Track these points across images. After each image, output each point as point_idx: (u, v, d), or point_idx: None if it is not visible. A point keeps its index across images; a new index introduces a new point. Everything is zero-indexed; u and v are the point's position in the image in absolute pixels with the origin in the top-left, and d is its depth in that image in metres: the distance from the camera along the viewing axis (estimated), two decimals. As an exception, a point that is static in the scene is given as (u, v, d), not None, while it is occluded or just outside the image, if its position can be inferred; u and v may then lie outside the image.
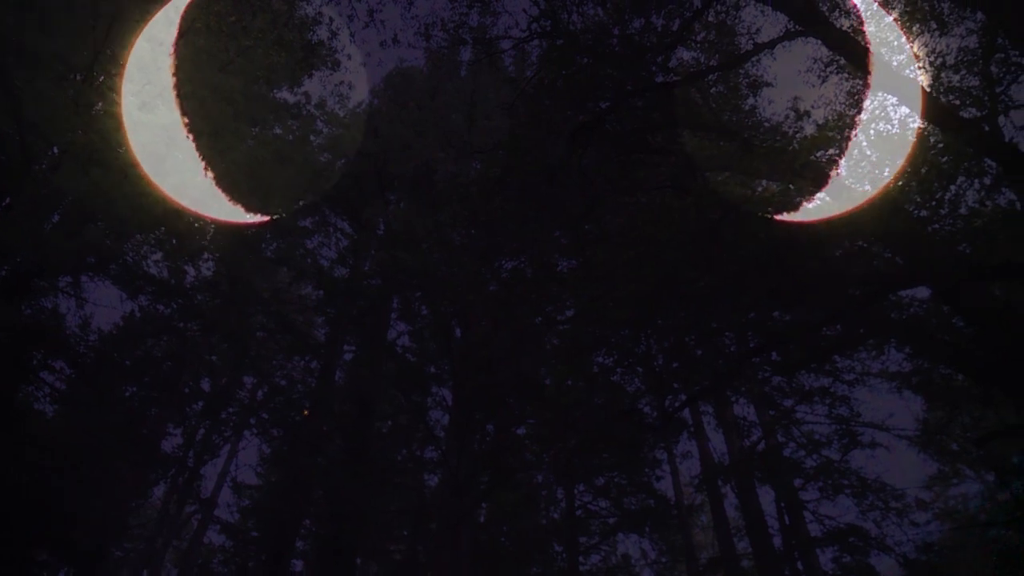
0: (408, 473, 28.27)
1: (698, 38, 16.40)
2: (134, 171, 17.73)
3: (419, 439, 28.35)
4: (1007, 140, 13.35)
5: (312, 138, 27.58)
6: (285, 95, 24.95)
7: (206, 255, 23.76)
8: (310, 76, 23.23)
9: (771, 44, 14.76)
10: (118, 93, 17.77)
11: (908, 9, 16.31)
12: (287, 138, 26.14)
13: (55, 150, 17.93)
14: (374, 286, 24.63)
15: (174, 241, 21.94)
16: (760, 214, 14.48)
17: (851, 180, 17.55)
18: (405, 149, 24.43)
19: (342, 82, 26.60)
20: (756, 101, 19.22)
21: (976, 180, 15.43)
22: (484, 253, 21.70)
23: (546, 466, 26.08)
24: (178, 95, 19.28)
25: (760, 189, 16.62)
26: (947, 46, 15.86)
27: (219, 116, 20.02)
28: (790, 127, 18.02)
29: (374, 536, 28.16)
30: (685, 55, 16.93)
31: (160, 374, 24.88)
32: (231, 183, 20.27)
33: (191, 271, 22.98)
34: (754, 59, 16.46)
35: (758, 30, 16.10)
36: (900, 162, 15.90)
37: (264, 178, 21.82)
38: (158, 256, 22.11)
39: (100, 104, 17.61)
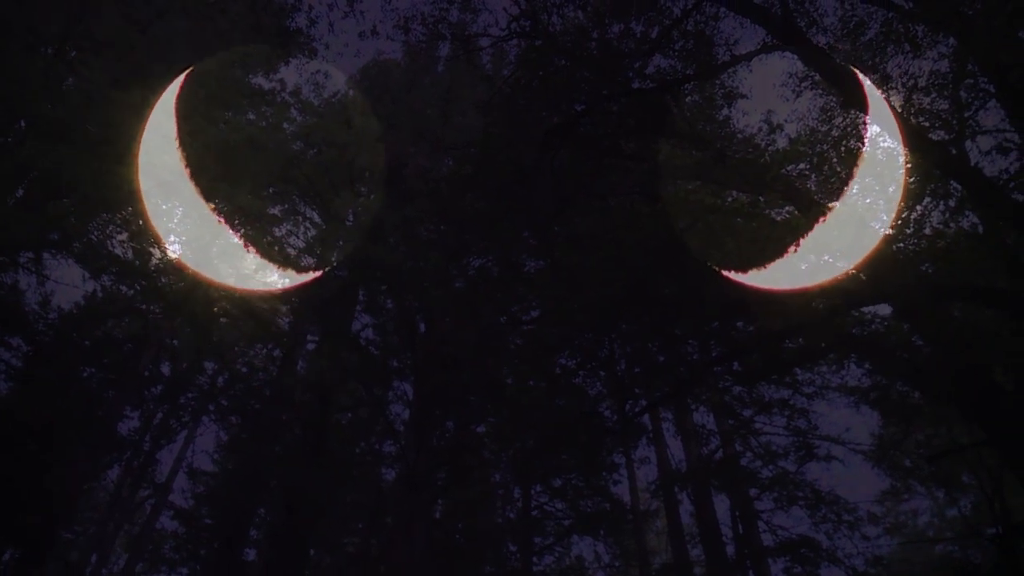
0: (366, 466, 28.17)
1: (676, 46, 16.44)
2: (104, 149, 17.51)
3: (378, 432, 28.26)
4: (973, 164, 13.53)
5: (285, 126, 27.38)
6: (260, 81, 24.79)
7: (173, 238, 23.54)
8: (286, 63, 23.11)
9: (748, 57, 14.89)
10: (90, 69, 17.57)
11: (884, 30, 16.49)
12: (260, 124, 25.94)
13: (22, 124, 17.67)
14: (340, 277, 24.51)
15: (141, 222, 21.70)
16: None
17: (820, 196, 17.75)
18: (378, 142, 24.32)
19: (318, 71, 26.50)
20: (730, 112, 19.33)
21: (941, 202, 15.64)
22: (452, 250, 21.69)
23: (504, 465, 26.13)
24: (152, 75, 19.10)
25: (730, 200, 16.72)
26: (919, 68, 16.05)
27: (191, 98, 19.84)
28: (763, 139, 18.14)
29: (329, 528, 28.04)
30: (662, 63, 16.96)
31: (120, 356, 24.60)
32: (200, 166, 20.07)
33: (157, 253, 22.75)
34: (730, 70, 16.58)
35: (736, 42, 16.20)
36: (869, 180, 16.09)
37: (235, 163, 21.64)
38: (123, 236, 21.87)
39: (71, 79, 17.40)
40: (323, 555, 31.33)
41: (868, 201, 16.13)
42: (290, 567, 22.24)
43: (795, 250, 13.69)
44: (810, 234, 13.82)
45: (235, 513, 23.86)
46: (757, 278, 14.15)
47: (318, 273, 23.08)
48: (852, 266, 14.34)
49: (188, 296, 21.70)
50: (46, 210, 18.58)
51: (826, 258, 14.75)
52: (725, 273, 14.87)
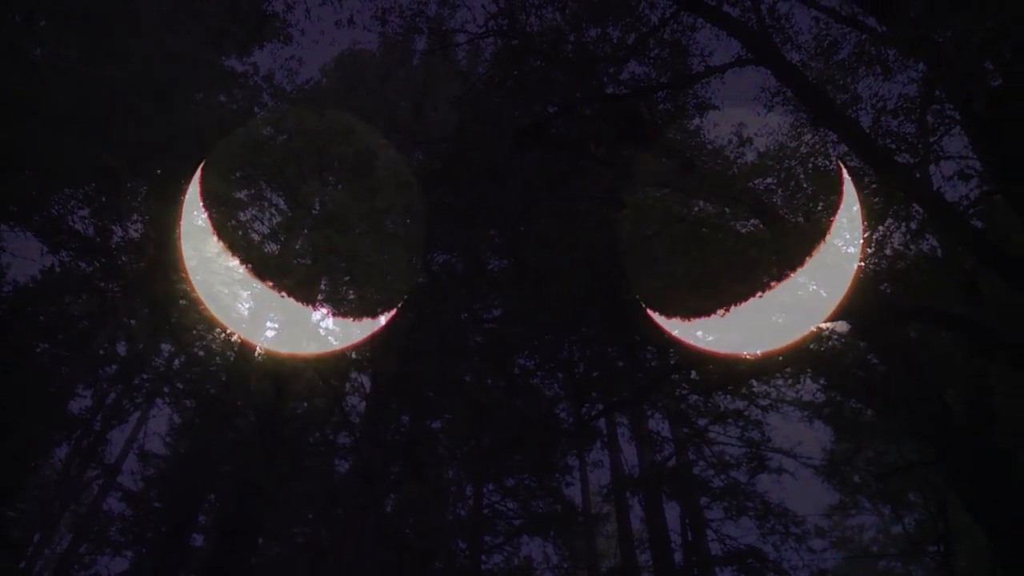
0: (319, 457, 28.00)
1: (652, 54, 16.55)
2: (71, 125, 17.29)
3: (333, 424, 28.07)
4: (935, 189, 13.74)
5: (256, 110, 27.20)
6: (234, 63, 24.59)
7: (136, 216, 23.27)
8: (261, 47, 22.91)
9: (722, 68, 15.01)
10: (61, 41, 17.34)
11: (856, 51, 16.70)
12: (231, 107, 25.74)
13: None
14: (303, 265, 24.35)
15: (104, 199, 21.44)
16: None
17: (786, 211, 17.93)
18: (349, 132, 24.20)
19: (292, 57, 26.33)
20: (702, 123, 19.47)
21: (903, 224, 15.85)
22: (417, 244, 21.65)
23: (458, 462, 26.11)
24: (123, 51, 18.90)
25: (696, 210, 16.83)
26: (889, 91, 16.26)
27: (163, 76, 19.65)
28: (732, 152, 18.28)
29: (279, 517, 27.85)
30: (637, 69, 17.07)
31: (75, 333, 24.26)
32: (167, 146, 19.88)
33: (118, 231, 22.49)
34: (704, 81, 16.68)
35: (711, 53, 16.33)
36: (835, 198, 16.28)
37: (204, 145, 21.45)
38: (85, 212, 21.60)
39: (39, 51, 17.15)
40: (272, 544, 31.12)
41: (832, 219, 16.33)
42: (238, 555, 22.07)
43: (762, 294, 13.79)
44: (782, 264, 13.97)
45: (185, 498, 23.63)
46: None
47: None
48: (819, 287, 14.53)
49: (148, 276, 21.45)
50: (6, 182, 18.29)
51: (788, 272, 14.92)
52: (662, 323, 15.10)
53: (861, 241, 14.81)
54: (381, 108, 27.32)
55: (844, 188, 16.10)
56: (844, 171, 15.52)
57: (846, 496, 30.25)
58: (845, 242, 16.38)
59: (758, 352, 14.52)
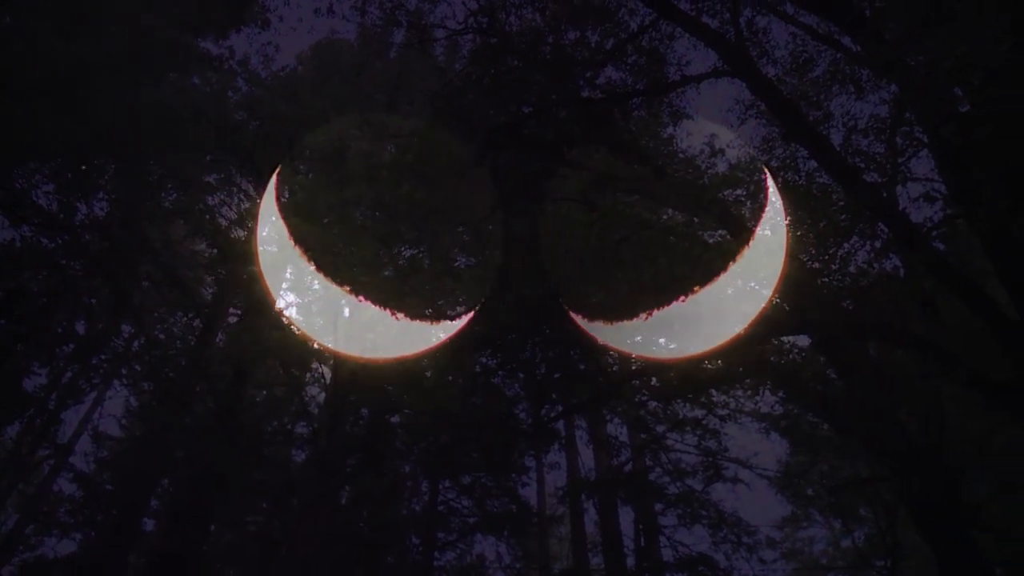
0: (276, 446, 27.82)
1: (629, 60, 16.64)
2: (40, 98, 17.07)
3: (292, 413, 27.92)
4: (901, 209, 13.94)
5: (230, 94, 26.98)
6: (209, 46, 24.36)
7: (101, 194, 23.01)
8: (238, 31, 22.76)
9: (698, 79, 15.15)
10: (34, 12, 17.12)
11: (831, 70, 16.90)
12: (204, 90, 25.52)
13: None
14: (270, 253, 24.18)
15: (70, 175, 21.19)
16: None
17: (754, 223, 18.10)
18: (322, 121, 24.08)
19: (269, 43, 26.17)
20: (675, 131, 19.63)
21: (868, 242, 16.07)
22: (384, 237, 21.59)
23: (415, 457, 26.06)
24: (97, 27, 18.69)
25: (665, 217, 16.95)
26: (860, 111, 16.46)
27: (136, 55, 19.44)
28: (704, 162, 18.43)
29: (233, 505, 27.62)
30: (614, 75, 17.13)
31: (33, 309, 23.91)
32: (135, 125, 19.66)
33: (83, 208, 22.22)
34: (680, 90, 16.79)
35: (688, 63, 16.45)
36: (802, 213, 16.46)
37: (175, 127, 21.23)
38: (50, 188, 21.34)
39: (8, 18, 16.91)
40: (224, 532, 30.86)
41: (799, 234, 16.52)
42: (189, 541, 21.90)
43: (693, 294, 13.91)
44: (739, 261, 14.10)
45: (138, 481, 23.37)
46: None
47: None
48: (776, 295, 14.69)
49: (111, 255, 21.21)
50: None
51: (752, 285, 15.09)
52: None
53: (785, 243, 14.97)
54: (356, 99, 27.19)
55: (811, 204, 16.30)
56: (768, 177, 15.71)
57: (799, 508, 30.65)
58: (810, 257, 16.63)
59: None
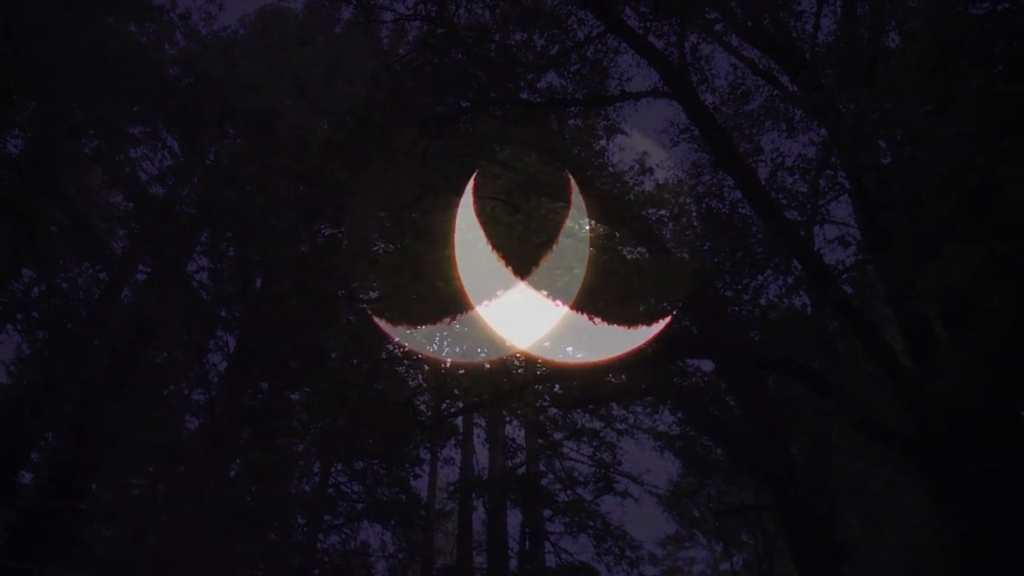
0: (170, 410, 27.25)
1: (572, 68, 16.70)
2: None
3: (191, 379, 27.35)
4: (816, 249, 14.30)
5: (167, 47, 26.31)
6: (151, -6, 23.75)
7: (17, 131, 22.23)
8: (182, -17, 22.21)
9: (637, 96, 15.31)
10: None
11: (766, 105, 17.27)
12: (140, 39, 24.84)
13: None
14: (187, 214, 23.71)
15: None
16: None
17: (673, 244, 18.40)
18: (257, 88, 23.67)
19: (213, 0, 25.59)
20: (607, 144, 19.79)
21: (781, 276, 16.49)
22: (305, 212, 21.35)
23: (310, 437, 25.82)
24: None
25: (587, 228, 17.08)
26: (789, 149, 16.85)
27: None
28: (632, 179, 18.60)
29: (117, 465, 26.94)
30: (555, 80, 17.19)
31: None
32: (64, 63, 19.06)
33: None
34: (618, 104, 16.93)
35: (629, 79, 16.54)
36: (721, 241, 16.79)
37: (103, 70, 20.65)
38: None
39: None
40: (105, 492, 30.10)
41: (716, 261, 16.84)
42: (67, 497, 21.31)
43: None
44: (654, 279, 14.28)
45: (20, 433, 22.61)
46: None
47: None
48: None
49: (18, 194, 20.48)
50: None
51: (664, 304, 15.30)
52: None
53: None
54: (295, 70, 26.79)
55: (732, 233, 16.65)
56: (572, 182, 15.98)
57: (683, 528, 31.23)
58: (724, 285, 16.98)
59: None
